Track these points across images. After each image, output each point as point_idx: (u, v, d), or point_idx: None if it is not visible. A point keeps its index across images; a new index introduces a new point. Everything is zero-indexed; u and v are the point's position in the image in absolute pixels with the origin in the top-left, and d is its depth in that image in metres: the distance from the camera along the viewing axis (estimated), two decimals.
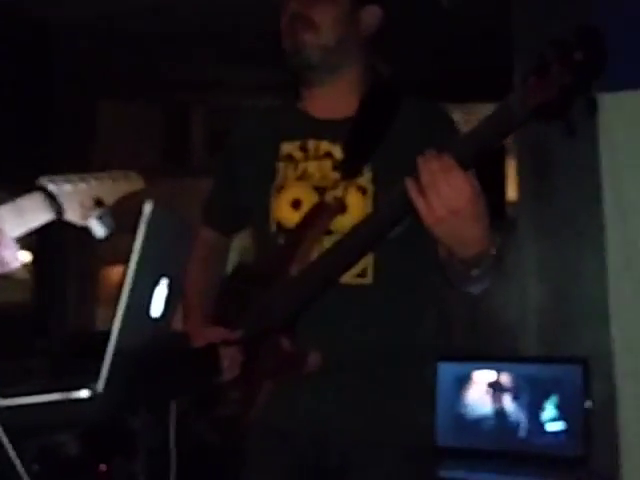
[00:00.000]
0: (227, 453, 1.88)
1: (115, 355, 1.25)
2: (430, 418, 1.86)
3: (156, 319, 1.41)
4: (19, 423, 1.08)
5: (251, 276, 1.87)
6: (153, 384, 1.41)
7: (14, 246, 1.31)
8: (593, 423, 2.49)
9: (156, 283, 1.37)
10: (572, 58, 1.32)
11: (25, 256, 4.54)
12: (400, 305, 1.78)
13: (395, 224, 1.59)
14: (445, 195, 1.41)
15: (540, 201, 2.56)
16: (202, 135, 5.58)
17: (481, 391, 2.75)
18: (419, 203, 1.43)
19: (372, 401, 1.75)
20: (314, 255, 1.74)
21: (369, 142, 1.82)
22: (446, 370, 2.74)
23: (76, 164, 4.37)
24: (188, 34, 4.26)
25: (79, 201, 1.34)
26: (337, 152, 1.81)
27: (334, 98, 1.86)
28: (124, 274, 1.25)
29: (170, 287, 1.44)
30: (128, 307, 1.26)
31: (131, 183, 1.41)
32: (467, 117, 3.45)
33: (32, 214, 1.31)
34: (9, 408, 1.08)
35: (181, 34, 4.27)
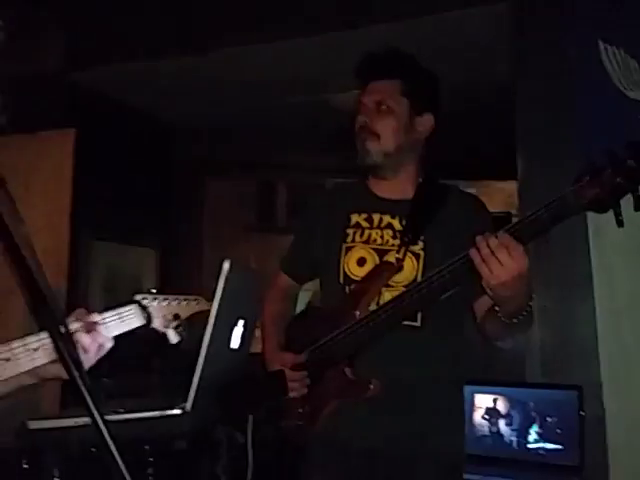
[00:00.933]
0: (292, 457, 1.82)
1: (201, 379, 1.23)
2: (462, 436, 1.80)
3: (235, 350, 1.39)
4: (125, 435, 0.99)
5: (321, 315, 1.83)
6: (233, 401, 1.38)
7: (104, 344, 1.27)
8: (586, 439, 2.44)
9: (234, 322, 1.36)
10: (625, 165, 1.35)
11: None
12: (441, 344, 1.74)
13: (455, 285, 1.57)
14: (506, 264, 1.41)
15: (540, 260, 2.48)
16: (285, 203, 5.66)
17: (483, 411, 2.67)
18: (483, 269, 1.44)
19: (417, 420, 1.70)
20: (374, 303, 1.72)
21: (424, 218, 1.80)
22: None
23: (190, 227, 4.46)
24: (277, 129, 4.32)
25: (163, 315, 1.36)
26: (396, 224, 1.81)
27: (395, 185, 1.86)
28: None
29: (245, 325, 1.42)
30: (211, 342, 1.24)
31: (200, 305, 1.42)
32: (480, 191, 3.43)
33: (129, 320, 1.32)
34: (117, 422, 0.97)
35: (270, 128, 4.34)
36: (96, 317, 1.25)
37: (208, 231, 4.68)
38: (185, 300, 1.39)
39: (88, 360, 1.21)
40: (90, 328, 1.22)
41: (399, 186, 1.86)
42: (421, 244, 1.77)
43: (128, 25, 3.23)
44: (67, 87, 3.35)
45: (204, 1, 3.28)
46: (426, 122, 1.84)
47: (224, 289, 1.24)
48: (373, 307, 1.72)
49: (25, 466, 2.21)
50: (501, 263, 1.42)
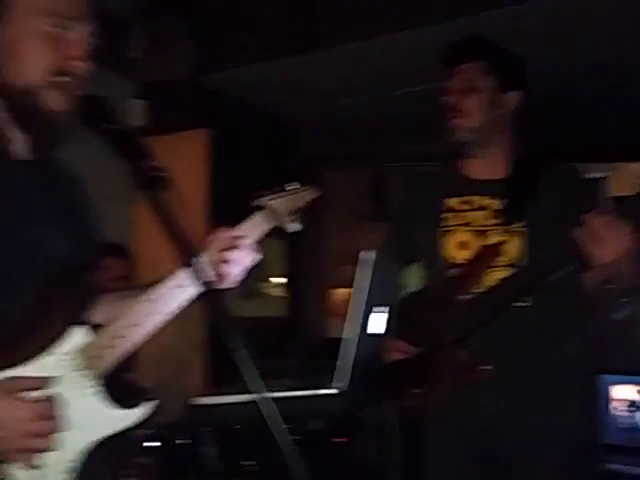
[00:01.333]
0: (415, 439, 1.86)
1: (354, 362, 1.30)
2: (589, 420, 1.76)
3: (378, 335, 1.45)
4: (282, 413, 1.05)
5: (427, 300, 1.85)
6: (378, 385, 1.45)
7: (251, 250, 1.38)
8: None
9: (376, 310, 1.42)
10: None
11: (280, 280, 4.82)
12: (553, 324, 1.72)
13: (563, 265, 1.55)
14: (614, 241, 1.39)
15: None
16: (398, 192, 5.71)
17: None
18: (591, 247, 1.42)
19: (535, 401, 1.69)
20: (479, 286, 1.73)
21: (523, 196, 1.79)
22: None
23: (312, 219, 4.56)
24: (391, 120, 4.34)
25: (286, 210, 1.43)
26: (494, 205, 1.81)
27: (487, 164, 1.87)
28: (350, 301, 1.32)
29: (389, 312, 1.48)
30: (359, 327, 1.31)
31: (313, 192, 1.50)
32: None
33: (262, 225, 1.39)
34: (274, 399, 1.05)
35: (384, 119, 4.36)
36: (234, 232, 1.34)
37: (327, 221, 4.80)
38: (299, 191, 1.47)
39: (238, 274, 1.33)
40: (233, 244, 1.31)
41: (491, 165, 1.86)
42: (523, 222, 1.76)
43: (251, 28, 3.37)
44: (197, 90, 3.55)
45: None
46: (513, 99, 1.85)
47: (370, 276, 1.30)
48: (480, 289, 1.72)
49: (184, 441, 2.42)
50: (609, 241, 1.40)
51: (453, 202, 1.86)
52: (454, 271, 1.79)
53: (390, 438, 1.66)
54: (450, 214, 1.85)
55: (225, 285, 1.32)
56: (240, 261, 1.33)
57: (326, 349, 4.32)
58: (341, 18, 3.26)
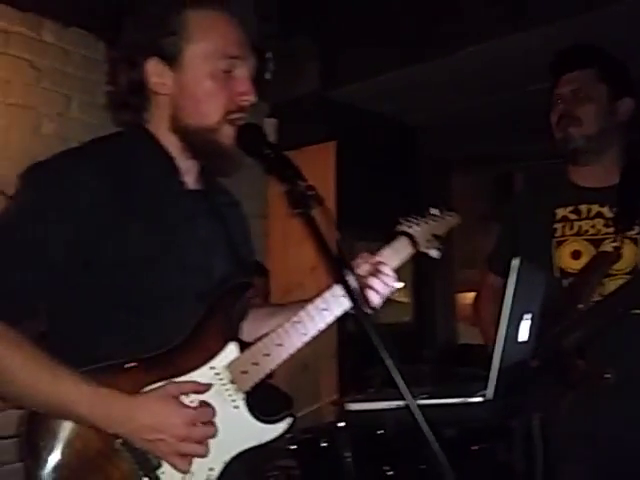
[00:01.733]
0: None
1: (499, 370, 1.29)
2: None
3: (523, 343, 1.43)
4: (428, 419, 1.06)
5: (544, 311, 1.82)
6: (524, 392, 1.43)
7: (392, 280, 1.40)
8: None
9: (522, 317, 1.40)
10: None
11: (401, 284, 4.76)
12: None
13: None
14: None
15: None
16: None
17: None
18: None
19: None
20: (597, 294, 1.72)
21: (635, 203, 1.78)
22: None
23: None
24: (514, 120, 4.23)
25: (425, 238, 1.45)
26: (606, 212, 1.80)
27: (598, 171, 1.86)
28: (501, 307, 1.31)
29: (532, 319, 1.45)
30: (505, 335, 1.30)
31: (454, 219, 1.52)
32: None
33: (403, 252, 1.42)
34: (427, 406, 1.09)
35: (507, 120, 4.26)
36: (377, 258, 1.38)
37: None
38: (440, 218, 1.48)
39: (378, 302, 1.36)
40: (376, 270, 1.35)
41: (602, 173, 1.85)
42: (637, 229, 1.74)
43: (374, 41, 3.43)
44: (324, 104, 3.65)
45: (442, 4, 3.34)
46: (626, 106, 1.84)
47: (516, 284, 1.29)
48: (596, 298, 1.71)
49: (324, 444, 2.50)
50: None
51: (564, 212, 1.86)
52: (569, 280, 1.77)
53: (534, 446, 1.63)
54: (562, 224, 1.84)
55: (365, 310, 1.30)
56: (382, 290, 1.36)
57: (457, 355, 4.29)
58: (460, 22, 3.25)
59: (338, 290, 1.27)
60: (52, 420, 1.13)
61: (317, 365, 3.66)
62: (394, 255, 1.40)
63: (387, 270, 1.37)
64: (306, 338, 1.27)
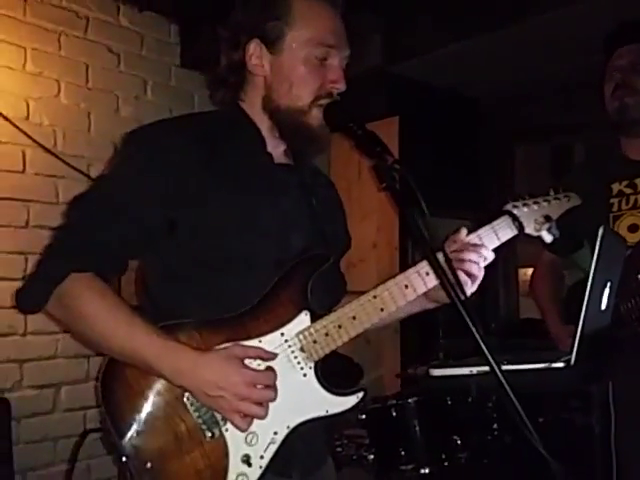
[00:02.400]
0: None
1: (581, 337, 1.32)
2: None
3: (604, 311, 1.46)
4: (515, 385, 1.06)
5: None
6: (604, 361, 1.46)
7: (486, 261, 1.35)
8: None
9: (605, 285, 1.42)
10: None
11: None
12: None
13: None
14: None
15: None
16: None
17: None
18: None
19: None
20: None
21: None
22: None
23: (500, 193, 4.52)
24: (576, 90, 4.16)
25: (534, 219, 1.36)
26: None
27: None
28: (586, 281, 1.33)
29: (611, 288, 1.47)
30: (588, 302, 1.33)
31: (572, 201, 1.39)
32: None
33: (503, 232, 1.36)
34: (508, 372, 1.07)
35: (570, 90, 4.19)
36: (472, 236, 1.34)
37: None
38: (555, 199, 1.36)
39: (475, 281, 1.33)
40: (471, 251, 1.30)
41: None
42: None
43: (435, 15, 3.41)
44: (387, 79, 3.67)
45: None
46: None
47: (599, 252, 1.32)
48: None
49: (394, 413, 2.56)
50: None
51: (619, 186, 1.85)
52: (629, 252, 1.75)
53: (609, 412, 1.65)
54: (618, 198, 1.83)
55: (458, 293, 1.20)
56: (475, 274, 1.32)
57: (519, 329, 4.28)
58: None
59: (423, 267, 1.28)
60: (127, 368, 1.21)
61: (380, 339, 3.73)
62: (493, 235, 1.35)
63: (484, 251, 1.33)
64: (384, 314, 1.27)
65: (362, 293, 1.30)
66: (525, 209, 1.35)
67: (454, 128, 4.19)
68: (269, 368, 1.24)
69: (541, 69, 3.90)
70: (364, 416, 2.62)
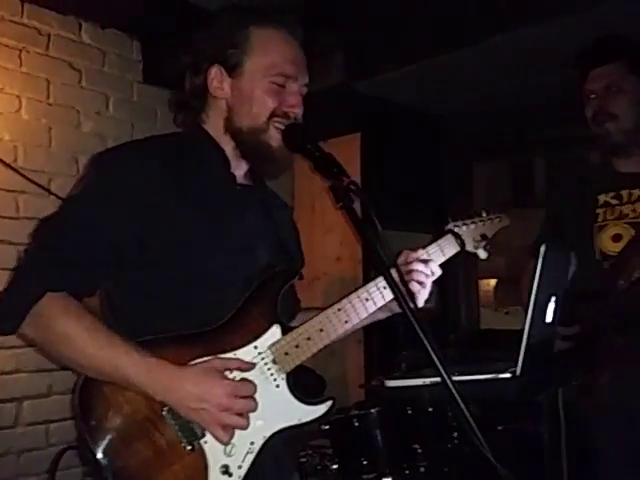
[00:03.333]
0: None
1: (526, 348, 1.38)
2: None
3: (549, 324, 1.52)
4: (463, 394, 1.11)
5: (582, 292, 1.84)
6: (549, 370, 1.52)
7: (436, 275, 1.45)
8: None
9: (549, 300, 1.49)
10: None
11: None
12: None
13: None
14: None
15: None
16: (544, 178, 5.53)
17: None
18: None
19: None
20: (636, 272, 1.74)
21: None
22: None
23: (459, 205, 4.62)
24: (533, 108, 4.28)
25: (472, 237, 1.49)
26: None
27: (637, 157, 1.87)
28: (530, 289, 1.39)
29: (556, 301, 1.54)
30: (532, 316, 1.39)
31: (503, 222, 1.54)
32: None
33: (448, 249, 1.48)
34: (459, 382, 1.13)
35: (526, 108, 4.30)
36: (421, 252, 1.44)
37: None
38: (489, 219, 1.51)
39: (424, 292, 1.40)
40: (420, 264, 1.38)
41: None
42: None
43: (398, 33, 3.49)
44: (349, 96, 3.73)
45: None
46: None
47: (542, 269, 1.38)
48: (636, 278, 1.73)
49: (355, 423, 2.60)
50: None
51: (606, 197, 1.89)
52: (610, 261, 1.82)
53: (558, 423, 1.71)
54: (603, 209, 1.88)
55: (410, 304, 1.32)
56: (426, 284, 1.40)
57: (479, 340, 4.35)
58: (480, 13, 3.30)
59: (380, 282, 1.36)
60: (105, 385, 1.22)
61: (344, 351, 3.77)
62: (439, 252, 1.46)
63: (432, 265, 1.42)
64: (348, 325, 1.35)
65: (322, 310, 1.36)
66: (464, 228, 1.47)
67: (415, 144, 4.28)
68: (245, 380, 1.28)
69: (501, 87, 4.01)
70: (327, 426, 2.66)
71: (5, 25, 2.83)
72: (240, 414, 1.25)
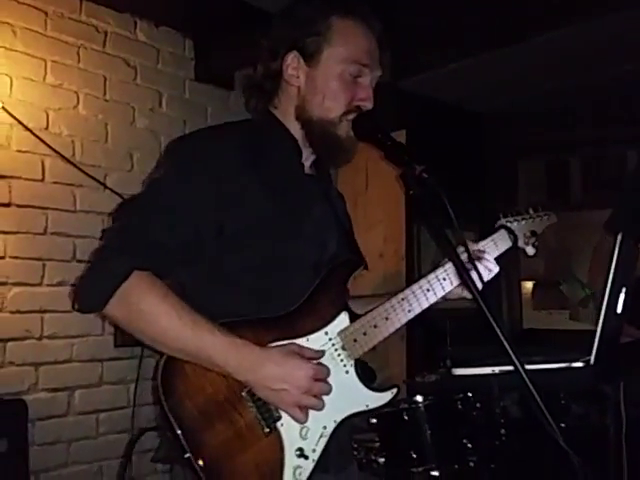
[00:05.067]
0: None
1: (600, 339, 1.36)
2: None
3: (619, 315, 1.50)
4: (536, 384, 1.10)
5: None
6: (619, 361, 1.50)
7: (493, 266, 1.47)
8: None
9: (620, 290, 1.47)
10: None
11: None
12: None
13: None
14: None
15: None
16: (579, 179, 5.45)
17: None
18: None
19: None
20: None
21: None
22: None
23: (503, 206, 4.57)
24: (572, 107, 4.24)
25: (523, 233, 1.49)
26: None
27: None
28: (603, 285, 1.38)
29: (626, 292, 1.52)
30: (607, 306, 1.37)
31: (551, 219, 1.56)
32: None
33: (501, 243, 1.49)
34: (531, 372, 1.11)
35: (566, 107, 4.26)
36: (476, 247, 1.46)
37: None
38: (538, 216, 1.53)
39: (481, 282, 1.36)
40: (477, 255, 1.43)
41: None
42: None
43: (444, 31, 3.48)
44: (395, 94, 3.73)
45: None
46: None
47: (618, 258, 1.36)
48: None
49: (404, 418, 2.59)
50: None
51: None
52: None
53: (618, 412, 1.69)
54: None
55: (466, 294, 1.42)
56: (482, 273, 1.40)
57: (524, 339, 4.31)
58: (524, 13, 3.27)
59: (440, 273, 1.40)
60: (187, 365, 1.24)
61: (387, 347, 3.76)
62: (493, 246, 1.48)
63: (488, 257, 1.45)
64: (411, 315, 1.37)
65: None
66: (516, 224, 1.49)
67: (459, 142, 4.26)
68: (320, 364, 1.30)
69: (542, 86, 3.98)
70: (375, 420, 2.65)
71: (64, 22, 2.89)
72: (317, 396, 1.27)
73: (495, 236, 1.49)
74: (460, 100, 4.23)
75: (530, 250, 1.49)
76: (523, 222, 1.50)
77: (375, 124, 1.37)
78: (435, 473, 2.52)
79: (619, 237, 1.36)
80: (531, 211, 1.53)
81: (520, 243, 1.49)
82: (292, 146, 1.42)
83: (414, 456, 2.54)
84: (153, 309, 1.23)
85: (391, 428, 2.63)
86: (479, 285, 1.35)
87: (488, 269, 1.44)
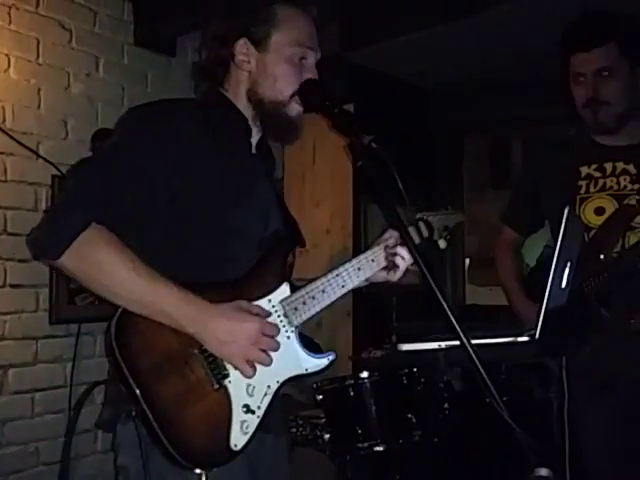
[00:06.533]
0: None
1: (545, 312, 1.38)
2: None
3: (564, 289, 1.53)
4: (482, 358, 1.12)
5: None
6: (562, 335, 1.53)
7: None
8: None
9: (565, 265, 1.49)
10: None
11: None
12: None
13: None
14: None
15: None
16: (520, 158, 5.56)
17: None
18: None
19: None
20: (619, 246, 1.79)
21: None
22: None
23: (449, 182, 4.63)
24: (518, 84, 4.28)
25: (437, 227, 1.60)
26: (631, 169, 1.83)
27: (622, 132, 1.89)
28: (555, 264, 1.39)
29: (570, 267, 1.55)
30: (552, 280, 1.39)
31: (458, 217, 1.66)
32: None
33: (415, 237, 1.56)
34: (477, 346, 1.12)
35: (510, 84, 4.31)
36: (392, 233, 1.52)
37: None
38: (450, 213, 1.65)
39: (404, 269, 1.52)
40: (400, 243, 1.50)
41: (626, 132, 1.87)
42: None
43: (392, 3, 3.45)
44: (343, 66, 3.69)
45: None
46: None
47: (564, 232, 1.38)
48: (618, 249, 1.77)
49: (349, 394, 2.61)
50: None
51: (588, 170, 1.89)
52: (590, 234, 1.83)
53: (561, 385, 1.75)
54: (586, 181, 1.88)
55: (395, 277, 1.53)
56: (407, 258, 1.50)
57: (466, 315, 4.39)
58: None
59: (370, 254, 1.50)
60: (140, 320, 1.28)
61: (333, 323, 3.76)
62: (416, 235, 1.57)
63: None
64: (344, 290, 1.48)
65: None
66: (431, 218, 1.60)
67: (407, 117, 4.26)
68: (269, 322, 1.39)
69: (490, 62, 4.01)
70: (321, 396, 2.66)
71: None
72: (265, 350, 1.33)
73: (419, 226, 1.58)
74: (409, 74, 4.22)
75: (442, 243, 1.60)
76: (437, 217, 1.60)
77: (322, 92, 1.42)
78: (380, 448, 2.55)
79: (566, 211, 1.37)
80: (444, 210, 1.65)
81: (435, 236, 1.59)
82: (243, 125, 1.49)
83: (359, 432, 2.57)
84: (111, 259, 1.26)
85: (337, 404, 2.65)
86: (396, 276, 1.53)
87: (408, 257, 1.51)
